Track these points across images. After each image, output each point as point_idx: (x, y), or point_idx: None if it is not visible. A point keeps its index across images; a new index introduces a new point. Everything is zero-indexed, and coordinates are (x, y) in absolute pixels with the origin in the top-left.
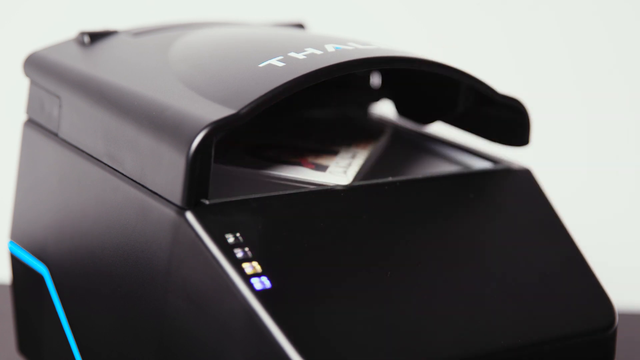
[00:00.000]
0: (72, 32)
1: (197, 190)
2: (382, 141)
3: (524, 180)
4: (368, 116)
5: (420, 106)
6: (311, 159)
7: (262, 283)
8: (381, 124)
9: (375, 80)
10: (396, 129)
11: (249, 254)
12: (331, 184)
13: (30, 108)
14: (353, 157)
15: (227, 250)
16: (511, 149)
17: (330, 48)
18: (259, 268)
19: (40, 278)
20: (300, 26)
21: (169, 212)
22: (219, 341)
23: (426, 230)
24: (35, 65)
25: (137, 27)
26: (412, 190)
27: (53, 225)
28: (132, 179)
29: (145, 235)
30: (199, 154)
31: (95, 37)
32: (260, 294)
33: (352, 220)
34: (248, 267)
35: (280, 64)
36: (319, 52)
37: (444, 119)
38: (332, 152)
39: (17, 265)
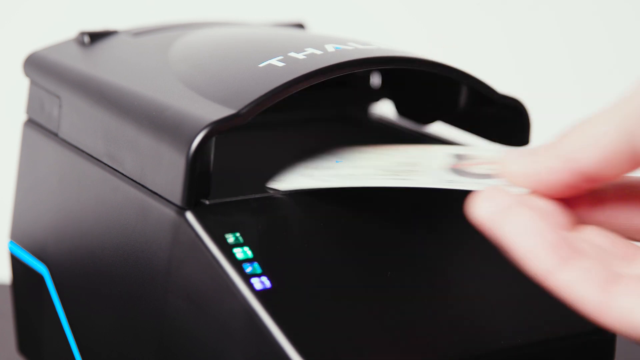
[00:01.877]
0: (72, 32)
1: (197, 190)
2: None
3: None
4: (368, 116)
5: (420, 106)
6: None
7: (262, 283)
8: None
9: (375, 80)
10: (392, 130)
11: (249, 254)
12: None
13: (30, 108)
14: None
15: (227, 250)
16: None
17: (330, 48)
18: (259, 268)
19: (40, 278)
20: (300, 26)
21: (169, 212)
22: (219, 341)
23: (426, 230)
24: (35, 65)
25: (137, 27)
26: (412, 191)
27: (53, 225)
28: (132, 179)
29: (145, 235)
30: (199, 154)
31: (95, 37)
32: (260, 294)
33: (352, 220)
34: (248, 267)
35: (280, 64)
36: (319, 52)
37: (444, 119)
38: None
39: (17, 265)
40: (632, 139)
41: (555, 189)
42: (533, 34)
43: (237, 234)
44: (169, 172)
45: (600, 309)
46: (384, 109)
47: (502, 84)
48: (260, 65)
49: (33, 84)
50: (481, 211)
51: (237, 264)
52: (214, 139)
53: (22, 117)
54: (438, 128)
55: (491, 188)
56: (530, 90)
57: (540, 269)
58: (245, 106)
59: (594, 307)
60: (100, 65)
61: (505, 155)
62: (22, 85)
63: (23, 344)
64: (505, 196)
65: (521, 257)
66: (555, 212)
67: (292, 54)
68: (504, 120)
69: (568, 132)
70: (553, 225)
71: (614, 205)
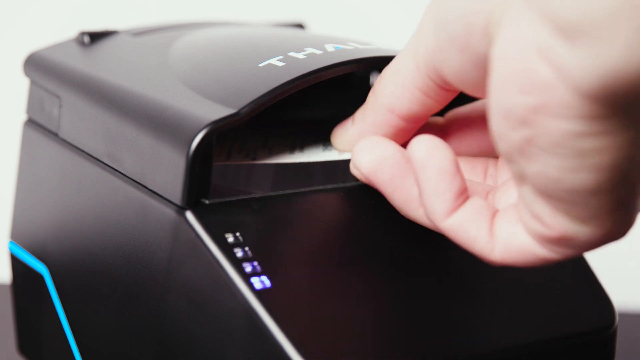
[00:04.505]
0: (72, 32)
1: (197, 190)
2: None
3: None
4: None
5: None
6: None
7: (262, 283)
8: None
9: (375, 80)
10: None
11: (249, 253)
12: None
13: (30, 108)
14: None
15: (227, 249)
16: None
17: (330, 48)
18: (259, 268)
19: (40, 278)
20: (300, 26)
21: (169, 212)
22: (219, 341)
23: (426, 230)
24: (36, 65)
25: (137, 27)
26: None
27: (53, 225)
28: (132, 179)
29: (145, 235)
30: (198, 153)
31: (95, 37)
32: (260, 294)
33: (352, 220)
34: (248, 267)
35: (280, 64)
36: (318, 52)
37: None
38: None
39: (17, 265)
40: (433, 72)
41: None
42: None
43: (237, 234)
44: (169, 171)
45: (489, 247)
46: None
47: None
48: (260, 65)
49: (33, 83)
50: (365, 160)
51: (237, 264)
52: (214, 138)
53: (22, 117)
54: None
55: (368, 140)
56: None
57: (438, 212)
58: (245, 106)
59: (484, 245)
60: (100, 65)
61: (333, 132)
62: (22, 85)
63: (23, 344)
64: (387, 143)
65: (425, 198)
66: None
67: (292, 54)
68: None
69: (378, 84)
70: (450, 163)
71: (457, 134)
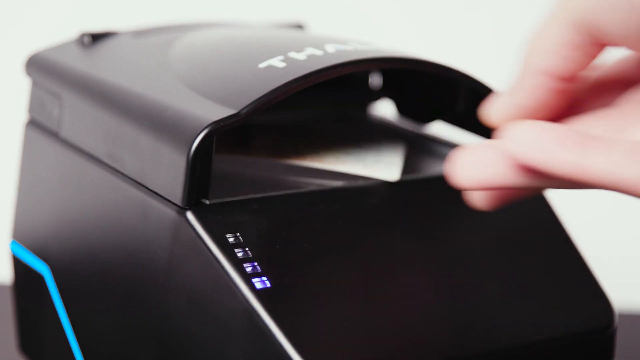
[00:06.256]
0: (72, 33)
1: (197, 190)
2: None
3: None
4: (368, 116)
5: (420, 106)
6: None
7: (262, 283)
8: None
9: (375, 80)
10: (392, 130)
11: (250, 253)
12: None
13: (31, 108)
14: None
15: (228, 250)
16: None
17: (330, 48)
18: (259, 268)
19: (41, 278)
20: (299, 27)
21: (170, 212)
22: (219, 341)
23: (426, 230)
24: (37, 65)
25: (138, 27)
26: (412, 190)
27: (54, 225)
28: (132, 179)
29: (145, 235)
30: (199, 154)
31: (96, 37)
32: (260, 294)
33: (352, 220)
34: (248, 267)
35: (281, 64)
36: (319, 52)
37: (444, 119)
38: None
39: (18, 264)
40: (587, 27)
41: (538, 106)
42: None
43: (238, 234)
44: (169, 172)
45: None
46: (384, 109)
47: (502, 84)
48: (261, 65)
49: (34, 84)
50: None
51: (238, 264)
52: (214, 139)
53: (24, 117)
54: (438, 128)
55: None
56: None
57: (567, 162)
58: (246, 106)
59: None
60: (101, 66)
61: (485, 106)
62: (23, 85)
63: (24, 343)
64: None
65: (542, 162)
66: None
67: (292, 54)
68: None
69: (527, 50)
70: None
71: (592, 102)
